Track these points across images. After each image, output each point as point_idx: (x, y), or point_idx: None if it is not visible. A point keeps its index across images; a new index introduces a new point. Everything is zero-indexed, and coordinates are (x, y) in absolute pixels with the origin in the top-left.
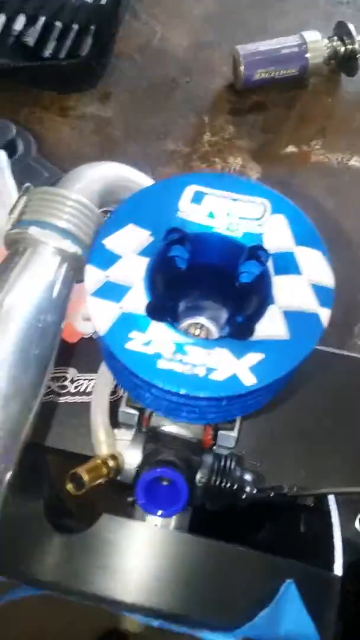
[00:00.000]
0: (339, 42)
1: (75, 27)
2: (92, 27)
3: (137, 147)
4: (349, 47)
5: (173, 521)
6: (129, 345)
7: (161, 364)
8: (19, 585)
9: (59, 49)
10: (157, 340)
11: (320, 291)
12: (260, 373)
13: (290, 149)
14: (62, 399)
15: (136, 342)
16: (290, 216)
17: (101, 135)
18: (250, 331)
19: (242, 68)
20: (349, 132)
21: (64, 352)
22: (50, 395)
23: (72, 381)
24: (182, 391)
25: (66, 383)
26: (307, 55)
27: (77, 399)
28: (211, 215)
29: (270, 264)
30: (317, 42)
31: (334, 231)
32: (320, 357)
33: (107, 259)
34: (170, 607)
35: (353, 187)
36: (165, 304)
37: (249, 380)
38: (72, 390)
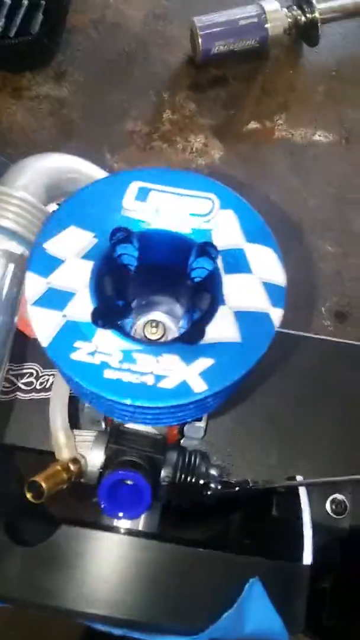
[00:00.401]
0: (299, 12)
1: (25, 2)
2: (43, 2)
3: (95, 129)
4: (309, 16)
5: (142, 520)
6: (74, 356)
7: (108, 374)
8: None
9: (8, 27)
10: (103, 349)
11: (272, 290)
12: (211, 379)
13: (253, 125)
14: (28, 396)
15: (81, 352)
16: (239, 212)
17: (57, 118)
18: (201, 334)
19: (199, 41)
20: (311, 105)
21: (28, 348)
22: (16, 393)
23: (37, 377)
24: (129, 402)
25: (32, 379)
26: (267, 25)
27: (43, 395)
28: (157, 211)
29: (220, 263)
30: (277, 12)
31: (300, 210)
32: (288, 340)
33: (48, 265)
34: (133, 615)
35: (317, 163)
36: (115, 307)
37: (200, 387)
38: (38, 387)
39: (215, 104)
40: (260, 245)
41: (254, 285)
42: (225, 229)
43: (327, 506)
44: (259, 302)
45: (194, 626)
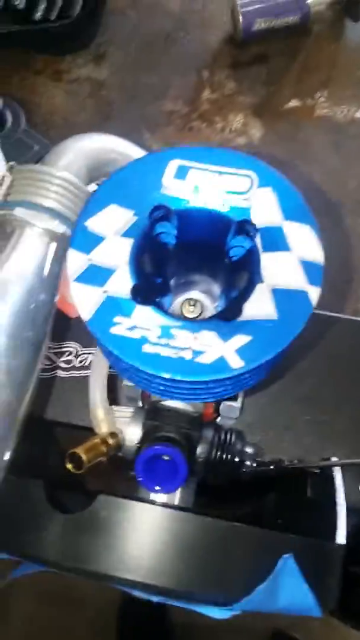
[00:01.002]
0: None
1: None
2: None
3: (134, 110)
4: None
5: (178, 495)
6: (113, 330)
7: (147, 348)
8: (23, 562)
9: (49, 11)
10: (142, 325)
11: (309, 268)
12: (248, 355)
13: (294, 103)
14: (68, 374)
15: (121, 327)
16: (278, 189)
17: (97, 99)
18: (239, 311)
19: (240, 18)
20: (354, 82)
21: (67, 327)
22: (56, 370)
23: (76, 355)
24: (167, 375)
25: (71, 357)
26: (308, 1)
27: (83, 372)
28: (196, 189)
29: (258, 241)
30: None
31: (340, 190)
32: (325, 321)
33: (90, 242)
34: (169, 583)
35: (358, 142)
36: (153, 284)
37: (236, 363)
38: (77, 365)
39: (256, 82)
40: (298, 223)
41: (291, 263)
42: (264, 206)
43: None
44: (297, 280)
45: (228, 597)
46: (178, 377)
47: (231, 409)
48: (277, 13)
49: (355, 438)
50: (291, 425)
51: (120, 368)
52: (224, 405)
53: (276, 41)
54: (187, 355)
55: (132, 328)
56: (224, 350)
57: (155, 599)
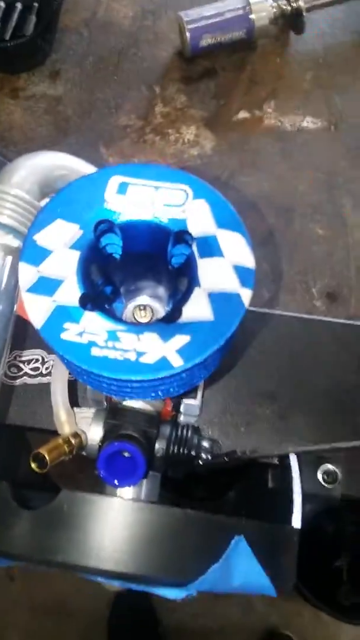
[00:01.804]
0: (284, 1)
1: (19, 6)
2: (36, 5)
3: (90, 124)
4: (294, 5)
5: (143, 489)
6: (64, 336)
7: (95, 352)
8: None
9: (4, 30)
10: (90, 330)
11: (242, 272)
12: (187, 354)
13: (243, 114)
14: (35, 380)
15: (70, 333)
16: (211, 201)
17: (54, 115)
18: (179, 313)
19: (187, 35)
20: (300, 92)
21: (33, 336)
22: (24, 377)
23: (42, 362)
24: (114, 376)
25: (38, 365)
26: (252, 16)
27: (49, 378)
28: (137, 204)
29: (195, 248)
30: (262, 3)
31: (291, 195)
32: (281, 321)
33: (39, 255)
34: (128, 568)
35: (306, 149)
36: (102, 292)
37: (177, 361)
38: (44, 372)
39: (206, 95)
40: (230, 231)
41: (225, 268)
42: (199, 217)
43: (319, 476)
44: (230, 283)
45: (184, 578)
46: (124, 377)
47: (191, 407)
48: (222, 29)
49: (312, 431)
50: (250, 420)
51: (74, 371)
52: (184, 403)
53: (223, 56)
54: (132, 357)
55: (80, 334)
56: (165, 350)
57: (116, 583)
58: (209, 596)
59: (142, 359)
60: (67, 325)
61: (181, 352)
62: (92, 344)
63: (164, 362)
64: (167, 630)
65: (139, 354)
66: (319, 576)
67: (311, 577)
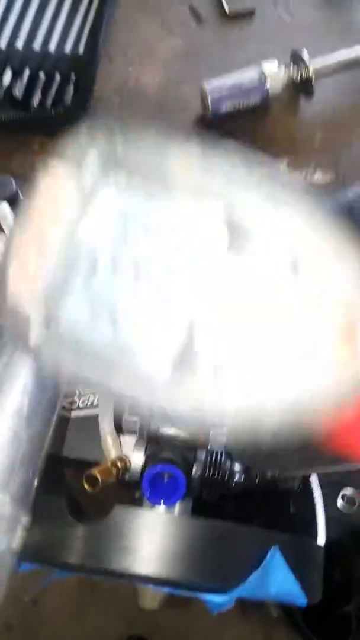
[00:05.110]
0: (295, 70)
1: (58, 78)
2: (73, 76)
3: None
4: (304, 73)
5: (177, 508)
6: None
7: None
8: (53, 571)
9: (44, 98)
10: None
11: None
12: None
13: None
14: (73, 414)
15: None
16: None
17: None
18: None
19: (209, 103)
20: (311, 151)
21: None
22: (62, 411)
23: (79, 397)
24: None
25: (74, 399)
26: (267, 85)
27: (86, 412)
28: None
29: None
30: (275, 73)
31: None
32: None
33: None
34: (176, 576)
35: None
36: None
37: None
38: (81, 405)
39: None
40: None
41: None
42: None
43: (339, 502)
44: None
45: (225, 586)
46: None
47: (219, 437)
48: (241, 96)
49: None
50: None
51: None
52: (213, 434)
53: (241, 120)
54: None
55: None
56: None
57: (165, 589)
58: None
59: None
60: None
61: None
62: None
63: None
64: None
65: None
66: (327, 623)
67: (320, 623)
